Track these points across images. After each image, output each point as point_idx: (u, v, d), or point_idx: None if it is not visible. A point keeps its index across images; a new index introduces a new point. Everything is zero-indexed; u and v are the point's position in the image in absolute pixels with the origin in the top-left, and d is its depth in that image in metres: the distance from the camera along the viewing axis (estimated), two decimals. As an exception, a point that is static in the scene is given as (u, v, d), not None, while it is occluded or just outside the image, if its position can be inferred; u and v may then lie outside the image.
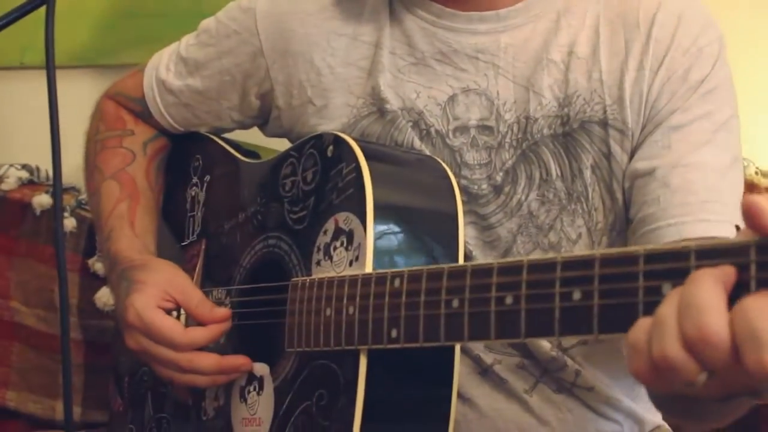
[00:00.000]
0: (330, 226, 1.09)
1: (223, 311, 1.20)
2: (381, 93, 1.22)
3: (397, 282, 0.96)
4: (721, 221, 1.08)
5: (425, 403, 1.05)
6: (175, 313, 1.20)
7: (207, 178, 1.38)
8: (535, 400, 1.20)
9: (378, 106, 1.23)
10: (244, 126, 1.41)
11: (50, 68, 1.11)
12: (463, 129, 1.20)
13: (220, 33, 1.33)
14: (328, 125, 1.24)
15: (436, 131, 1.21)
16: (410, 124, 1.21)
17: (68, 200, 1.73)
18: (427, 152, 1.20)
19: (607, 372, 1.22)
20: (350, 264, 1.05)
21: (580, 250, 1.17)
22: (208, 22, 1.37)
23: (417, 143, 1.20)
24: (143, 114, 1.42)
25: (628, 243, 1.16)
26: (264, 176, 1.25)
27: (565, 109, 1.17)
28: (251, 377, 1.17)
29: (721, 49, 1.17)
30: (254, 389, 1.16)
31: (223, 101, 1.36)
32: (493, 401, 1.20)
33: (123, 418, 1.40)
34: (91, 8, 1.87)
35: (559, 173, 1.18)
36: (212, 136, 1.41)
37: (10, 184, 1.77)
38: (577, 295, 0.78)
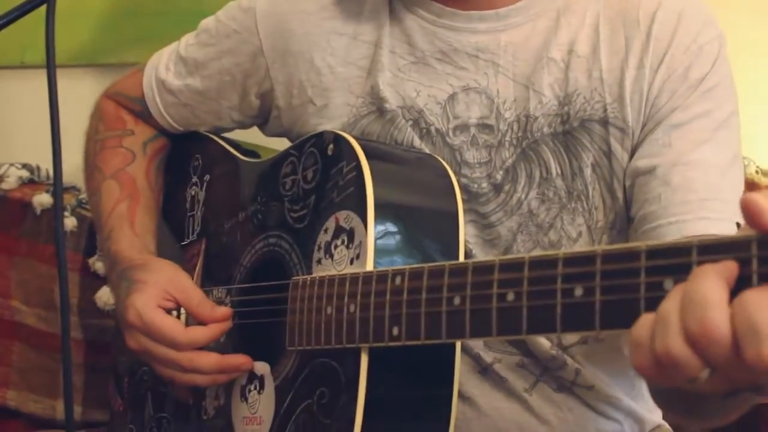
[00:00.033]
0: (331, 224, 1.09)
1: (224, 310, 1.20)
2: (380, 92, 1.22)
3: (398, 280, 0.96)
4: (721, 219, 1.08)
5: (426, 402, 1.05)
6: (175, 313, 1.20)
7: (207, 177, 1.38)
8: (535, 399, 1.20)
9: (377, 105, 1.22)
10: (244, 126, 1.40)
11: (51, 67, 1.10)
12: (463, 127, 1.20)
13: (220, 32, 1.33)
14: (329, 125, 1.24)
15: (436, 130, 1.21)
16: (410, 122, 1.21)
17: (69, 199, 1.73)
18: (427, 151, 1.20)
19: (607, 371, 1.22)
20: (351, 262, 1.05)
21: (581, 248, 1.17)
22: (207, 22, 1.37)
23: (417, 142, 1.20)
24: (143, 114, 1.42)
25: (629, 241, 1.16)
26: (264, 175, 1.25)
27: (566, 108, 1.18)
28: (252, 376, 1.16)
29: (721, 47, 1.17)
30: (255, 388, 1.16)
31: (222, 101, 1.36)
32: (492, 400, 1.20)
33: (123, 418, 1.40)
34: (92, 7, 1.87)
35: (560, 172, 1.18)
36: (212, 136, 1.41)
37: (10, 183, 1.77)
38: (578, 292, 0.78)
